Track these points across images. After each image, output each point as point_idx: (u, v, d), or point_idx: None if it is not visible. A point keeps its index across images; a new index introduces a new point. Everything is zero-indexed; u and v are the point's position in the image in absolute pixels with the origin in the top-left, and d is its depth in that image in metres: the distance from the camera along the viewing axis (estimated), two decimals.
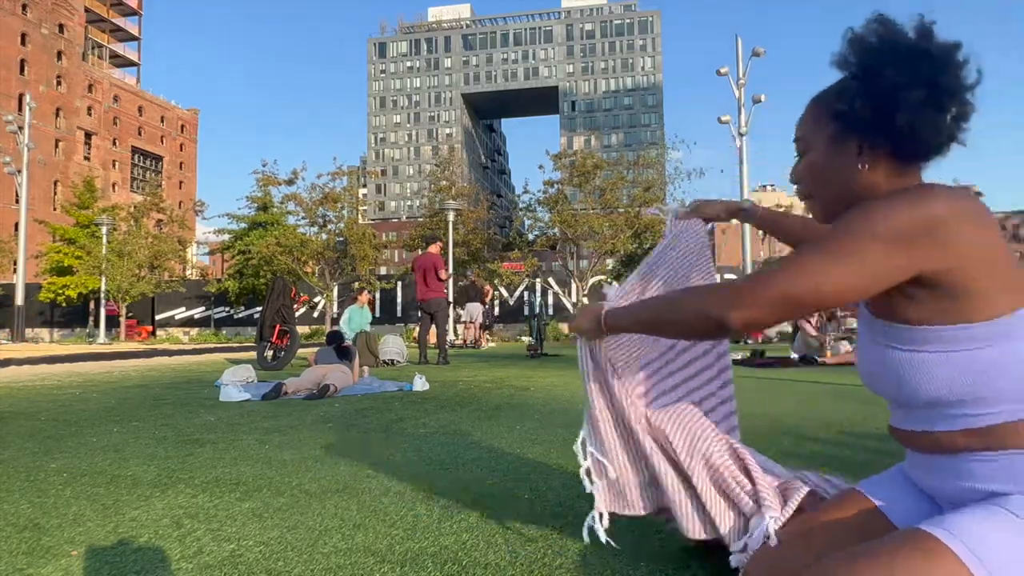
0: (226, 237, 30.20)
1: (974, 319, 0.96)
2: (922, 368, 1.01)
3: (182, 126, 79.89)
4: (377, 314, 24.35)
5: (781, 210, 1.59)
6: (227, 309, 27.76)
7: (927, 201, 0.95)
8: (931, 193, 0.97)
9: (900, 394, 1.06)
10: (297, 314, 9.48)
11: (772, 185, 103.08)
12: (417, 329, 9.49)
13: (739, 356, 9.67)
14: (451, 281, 21.57)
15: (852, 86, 1.05)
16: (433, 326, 9.27)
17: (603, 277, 24.32)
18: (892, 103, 1.00)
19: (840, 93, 1.08)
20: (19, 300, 23.85)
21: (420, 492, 2.19)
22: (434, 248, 9.47)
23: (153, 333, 27.44)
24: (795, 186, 1.19)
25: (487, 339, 17.04)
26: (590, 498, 1.81)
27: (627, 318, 1.29)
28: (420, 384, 5.57)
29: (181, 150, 79.35)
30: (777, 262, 1.05)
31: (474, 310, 16.08)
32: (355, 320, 9.32)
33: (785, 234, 1.55)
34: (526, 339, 15.78)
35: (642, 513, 1.51)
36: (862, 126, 1.04)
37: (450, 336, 18.61)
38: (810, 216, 1.37)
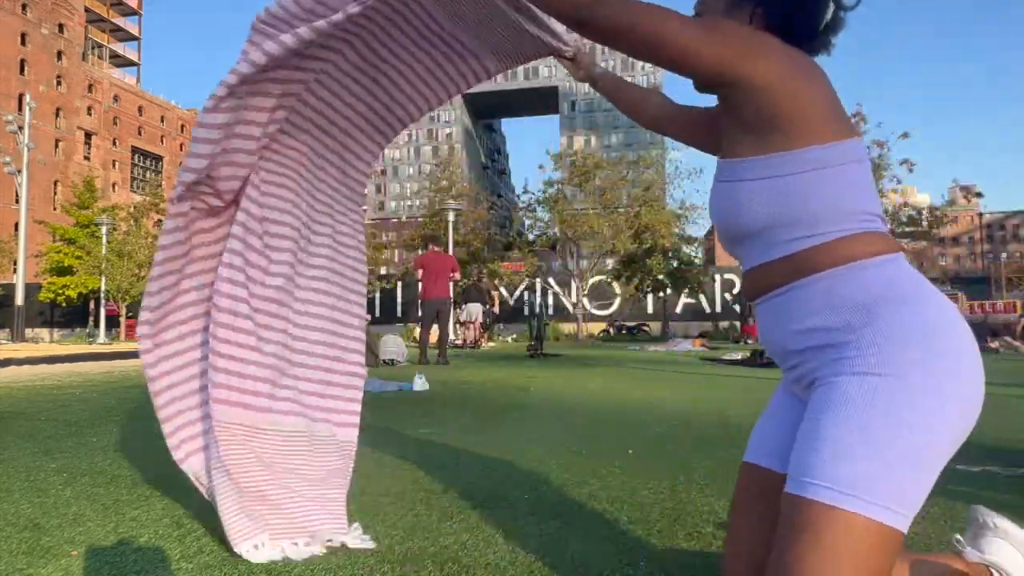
0: None
1: (791, 147, 1.01)
2: (743, 196, 1.07)
3: (182, 126, 79.87)
4: (377, 314, 24.41)
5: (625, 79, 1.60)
6: None
7: (769, 36, 1.06)
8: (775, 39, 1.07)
9: (729, 226, 1.12)
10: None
11: None
12: (417, 329, 9.47)
13: (739, 356, 9.68)
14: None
15: None
16: (435, 326, 9.30)
17: (603, 278, 24.34)
18: None
19: None
20: (19, 300, 23.86)
21: (420, 492, 2.19)
22: (441, 249, 9.55)
23: None
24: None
25: (486, 339, 17.01)
26: (590, 498, 1.82)
27: None
28: (420, 384, 5.57)
29: (181, 150, 79.29)
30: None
31: (474, 310, 16.08)
32: None
33: (626, 102, 1.54)
34: (510, 339, 15.79)
35: None
36: None
37: (450, 336, 18.63)
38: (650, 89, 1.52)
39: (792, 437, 1.03)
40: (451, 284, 9.58)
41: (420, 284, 9.22)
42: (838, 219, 1.01)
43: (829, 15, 1.14)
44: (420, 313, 9.38)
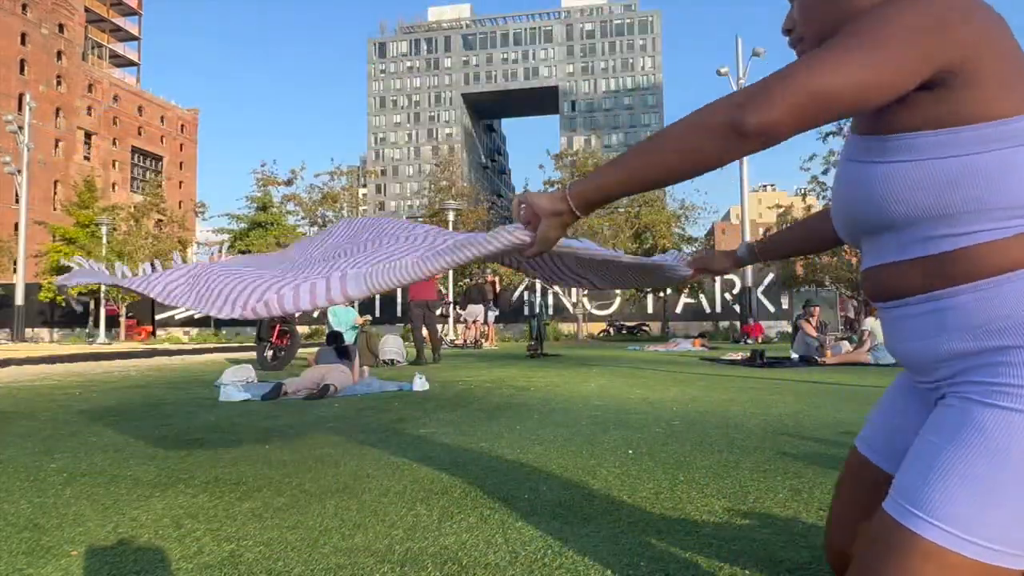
0: (226, 237, 30.20)
1: (959, 122, 0.83)
2: (878, 180, 0.89)
3: (182, 126, 79.87)
4: (377, 314, 24.39)
5: (771, 232, 1.57)
6: None
7: None
8: None
9: (856, 215, 0.96)
10: (297, 314, 9.43)
11: (772, 185, 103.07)
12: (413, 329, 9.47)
13: (739, 356, 9.68)
14: (452, 282, 21.65)
15: None
16: (425, 326, 9.32)
17: None
18: None
19: None
20: (19, 300, 23.86)
21: (420, 492, 2.19)
22: None
23: (153, 333, 27.44)
24: (787, 37, 1.07)
25: (493, 339, 16.94)
26: (590, 498, 1.82)
27: (608, 179, 0.98)
28: (420, 384, 5.57)
29: (181, 150, 79.32)
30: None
31: (475, 311, 16.10)
32: (340, 316, 9.30)
33: (790, 247, 1.44)
34: (488, 345, 15.77)
35: None
36: None
37: (450, 336, 18.64)
38: (808, 217, 1.39)
39: (898, 435, 1.02)
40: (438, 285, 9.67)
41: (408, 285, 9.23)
42: (1000, 215, 0.83)
43: None
44: (410, 314, 9.40)
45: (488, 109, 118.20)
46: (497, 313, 16.76)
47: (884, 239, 0.93)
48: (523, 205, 1.15)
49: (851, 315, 24.66)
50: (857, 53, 0.82)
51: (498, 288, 17.25)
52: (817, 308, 10.17)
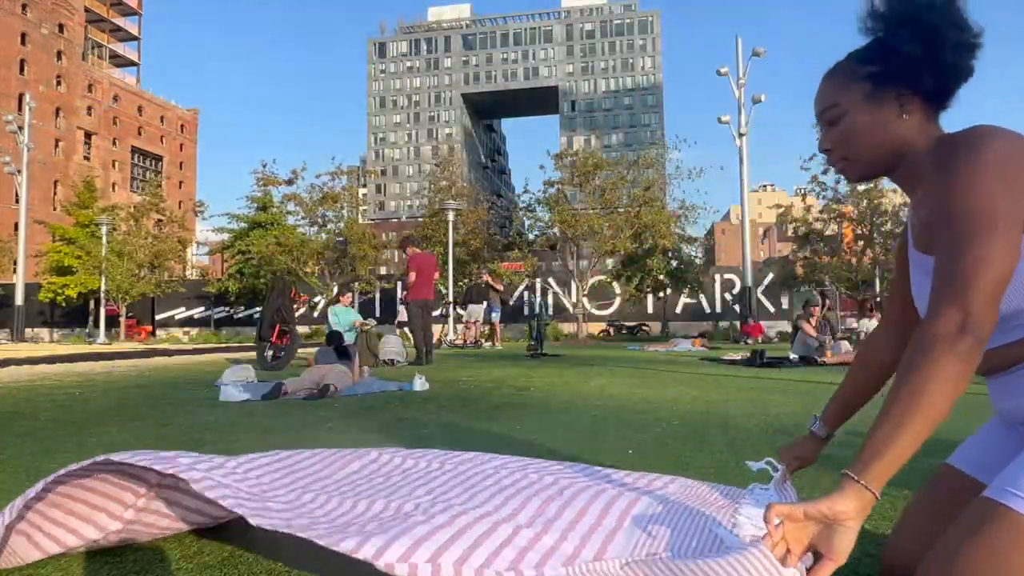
0: (226, 237, 30.22)
1: None
2: None
3: (182, 126, 79.88)
4: (377, 314, 24.38)
5: (834, 392, 1.48)
6: (227, 309, 27.77)
7: (1012, 136, 1.04)
8: (1000, 129, 1.05)
9: None
10: (297, 314, 9.44)
11: (772, 185, 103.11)
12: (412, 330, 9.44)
13: (739, 356, 9.68)
14: (452, 282, 21.67)
15: (888, 41, 1.12)
16: (423, 325, 9.28)
17: (603, 277, 24.34)
18: (938, 45, 1.08)
19: (868, 55, 1.16)
20: (19, 300, 23.88)
21: None
22: (421, 250, 9.60)
23: (153, 333, 27.45)
24: (826, 154, 1.24)
25: (496, 338, 16.91)
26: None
27: (900, 452, 0.98)
28: (420, 384, 5.57)
29: (181, 150, 79.35)
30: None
31: (475, 311, 16.11)
32: (342, 317, 9.30)
33: (853, 403, 1.45)
34: (487, 345, 15.76)
35: None
36: (903, 76, 1.12)
37: (450, 336, 18.65)
38: (859, 363, 1.43)
39: (992, 453, 1.17)
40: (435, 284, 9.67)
41: (408, 284, 9.22)
42: None
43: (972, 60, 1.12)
44: (409, 314, 9.36)
45: (488, 109, 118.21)
46: (498, 313, 16.74)
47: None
48: (783, 521, 0.98)
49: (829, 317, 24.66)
50: (994, 238, 0.97)
51: (501, 287, 17.22)
52: (817, 308, 10.16)
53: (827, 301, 18.52)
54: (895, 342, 1.37)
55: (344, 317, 9.28)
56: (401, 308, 19.74)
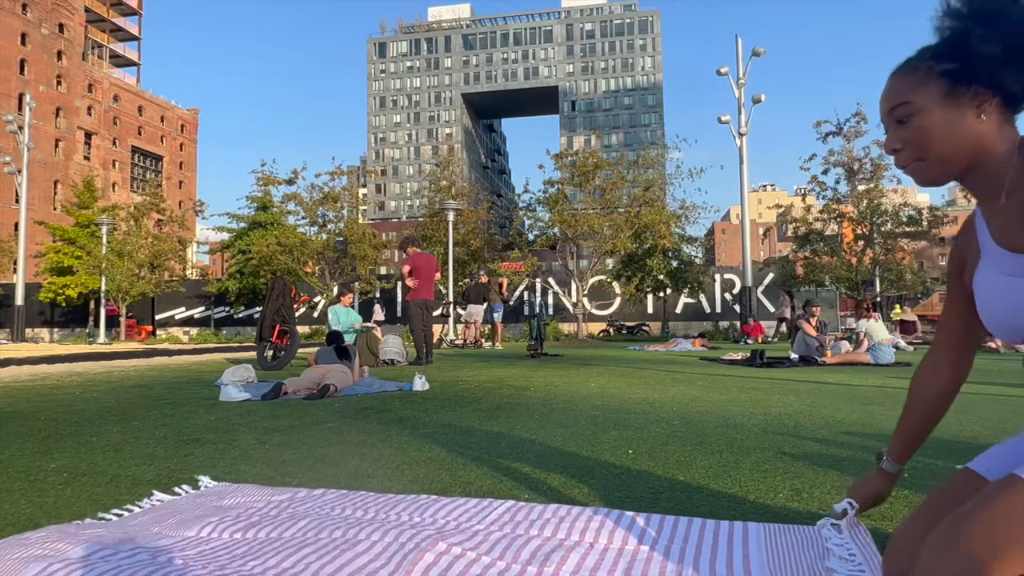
0: (226, 237, 30.21)
1: None
2: None
3: (182, 126, 79.88)
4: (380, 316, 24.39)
5: (897, 425, 1.43)
6: (227, 309, 27.77)
7: None
8: None
9: None
10: (297, 314, 9.43)
11: (772, 185, 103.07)
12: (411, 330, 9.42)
13: (739, 356, 9.67)
14: (452, 282, 21.66)
15: (966, 39, 1.09)
16: (423, 325, 9.27)
17: (603, 277, 24.33)
18: (1020, 46, 1.05)
19: (946, 51, 1.12)
20: (19, 300, 23.87)
21: (420, 492, 2.19)
22: (421, 250, 9.59)
23: (153, 333, 27.45)
24: (894, 154, 1.19)
25: (498, 337, 16.91)
26: (590, 497, 1.82)
27: None
28: (420, 384, 5.57)
29: (181, 150, 79.34)
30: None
31: (475, 311, 16.11)
32: (342, 317, 9.31)
33: (919, 432, 1.41)
34: (487, 345, 15.76)
35: None
36: (983, 75, 1.09)
37: (450, 335, 18.65)
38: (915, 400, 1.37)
39: (1014, 459, 1.17)
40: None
41: (408, 285, 9.21)
42: None
43: None
44: (409, 314, 9.33)
45: (488, 109, 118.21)
46: (500, 312, 16.74)
47: None
48: None
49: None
50: None
51: (502, 287, 17.22)
52: (818, 308, 10.17)
53: (793, 301, 18.54)
54: (951, 369, 1.33)
55: (344, 318, 9.28)
56: (377, 307, 19.76)
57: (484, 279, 17.08)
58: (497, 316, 16.60)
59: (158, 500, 2.10)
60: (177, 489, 2.21)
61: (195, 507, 1.94)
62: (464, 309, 16.47)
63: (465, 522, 1.76)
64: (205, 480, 2.34)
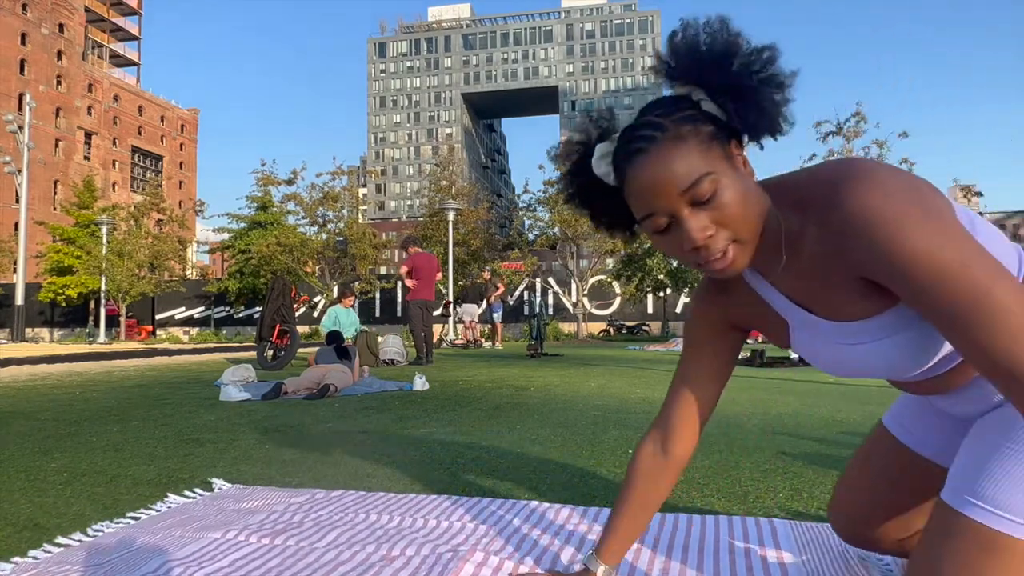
0: (226, 237, 30.21)
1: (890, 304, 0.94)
2: (905, 348, 0.96)
3: (182, 126, 79.88)
4: (377, 314, 24.39)
5: (611, 520, 1.27)
6: (227, 309, 27.77)
7: (909, 174, 0.96)
8: (889, 166, 0.97)
9: (893, 373, 1.03)
10: (297, 314, 9.43)
11: None
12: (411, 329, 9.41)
13: (739, 356, 9.67)
14: (452, 282, 21.65)
15: (717, 92, 0.93)
16: (423, 325, 9.27)
17: (603, 277, 24.34)
18: (770, 84, 0.93)
19: (692, 111, 0.94)
20: (19, 300, 23.85)
21: (420, 492, 2.19)
22: (422, 250, 9.59)
23: (153, 333, 27.45)
24: (705, 245, 0.94)
25: (488, 338, 16.93)
26: (590, 497, 1.81)
27: None
28: (420, 384, 5.57)
29: (181, 150, 79.34)
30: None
31: (472, 310, 16.13)
32: (342, 319, 9.30)
33: (639, 521, 1.27)
34: (487, 344, 15.76)
35: None
36: (739, 117, 0.94)
37: (450, 335, 18.65)
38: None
39: (939, 438, 1.16)
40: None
41: (408, 285, 9.21)
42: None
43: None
44: (409, 314, 9.33)
45: (488, 109, 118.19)
46: (500, 312, 16.74)
47: (923, 370, 1.01)
48: None
49: None
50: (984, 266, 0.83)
51: (502, 288, 17.22)
52: None
53: None
54: (684, 443, 1.22)
55: (345, 319, 9.29)
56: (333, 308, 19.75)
57: (486, 276, 17.10)
58: (497, 316, 16.59)
59: (172, 503, 2.09)
60: (189, 492, 2.21)
61: (216, 511, 1.94)
62: (460, 308, 16.49)
63: (495, 524, 1.76)
64: (219, 483, 2.34)
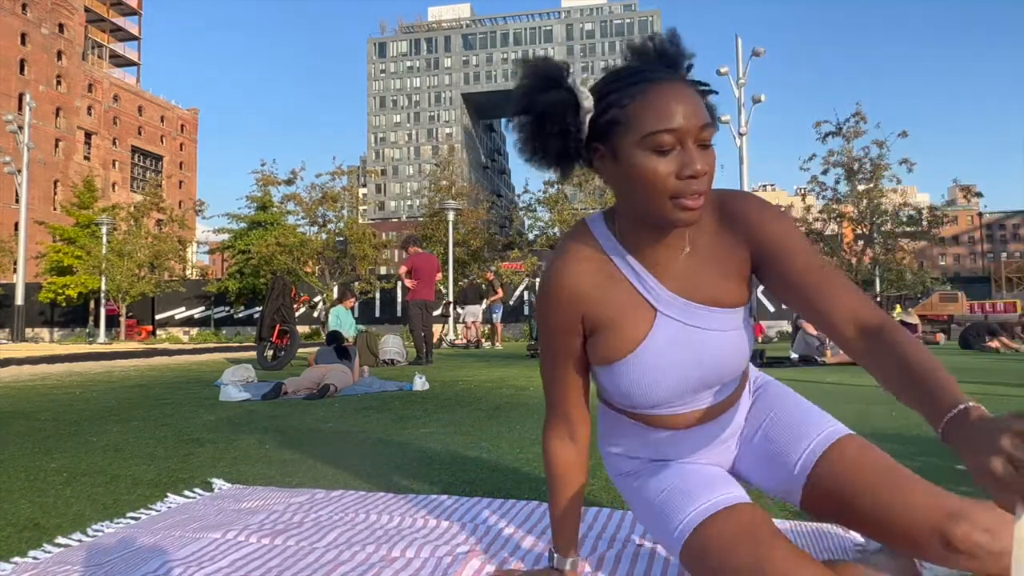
0: (226, 237, 30.20)
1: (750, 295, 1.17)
2: (741, 342, 1.17)
3: (182, 126, 79.87)
4: (377, 314, 24.37)
5: (553, 517, 1.29)
6: (227, 309, 27.75)
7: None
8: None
9: (727, 372, 1.17)
10: (297, 314, 9.43)
11: (772, 185, 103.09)
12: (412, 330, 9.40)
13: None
14: (452, 282, 21.65)
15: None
16: (423, 325, 9.26)
17: None
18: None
19: (704, 85, 1.09)
20: (19, 300, 23.85)
21: (420, 492, 2.19)
22: (422, 250, 9.58)
23: (153, 333, 27.43)
24: (694, 177, 1.00)
25: (488, 338, 16.93)
26: (590, 497, 1.81)
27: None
28: (420, 384, 5.57)
29: (181, 150, 79.34)
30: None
31: (475, 311, 16.13)
32: (344, 319, 9.30)
33: (573, 511, 1.29)
34: (487, 345, 15.75)
35: None
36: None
37: (450, 335, 18.65)
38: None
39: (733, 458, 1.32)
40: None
41: (407, 285, 9.20)
42: None
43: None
44: (408, 314, 9.32)
45: (488, 109, 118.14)
46: (499, 313, 16.74)
47: (729, 383, 1.21)
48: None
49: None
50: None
51: (499, 293, 17.22)
52: None
53: None
54: (582, 431, 1.26)
55: (346, 319, 9.29)
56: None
57: (489, 276, 17.08)
58: (496, 316, 16.60)
59: (172, 503, 2.09)
60: (189, 492, 2.21)
61: (216, 511, 1.94)
62: (462, 309, 16.49)
63: (494, 525, 1.76)
64: (219, 483, 2.34)
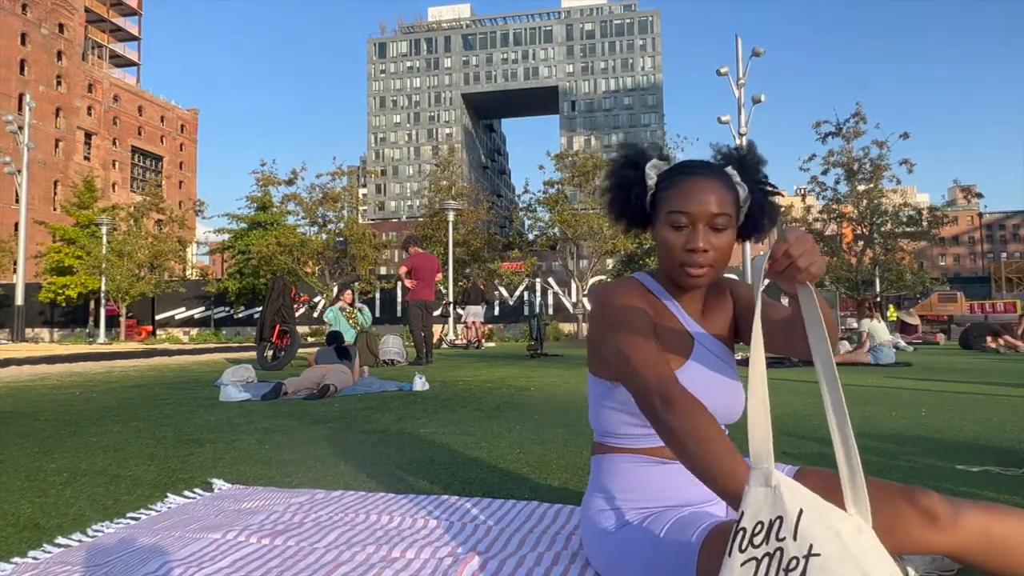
0: (226, 237, 30.19)
1: None
2: (742, 395, 1.33)
3: (182, 126, 79.85)
4: (377, 314, 24.36)
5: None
6: (227, 309, 27.75)
7: None
8: None
9: (731, 414, 1.34)
10: (297, 314, 9.43)
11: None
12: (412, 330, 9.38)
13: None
14: (452, 282, 21.67)
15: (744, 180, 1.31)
16: (423, 325, 9.24)
17: (603, 277, 24.34)
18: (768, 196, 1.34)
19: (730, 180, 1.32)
20: (19, 300, 23.84)
21: (420, 492, 2.19)
22: (422, 250, 9.57)
23: (153, 333, 27.43)
24: (696, 252, 1.26)
25: (486, 338, 17.00)
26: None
27: None
28: (420, 384, 5.57)
29: (181, 150, 79.32)
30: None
31: (477, 311, 16.16)
32: (341, 319, 9.30)
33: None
34: (490, 343, 15.80)
35: None
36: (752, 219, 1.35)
37: (450, 335, 18.67)
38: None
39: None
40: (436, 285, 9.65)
41: (407, 286, 9.20)
42: None
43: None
44: (408, 314, 9.31)
45: (488, 109, 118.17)
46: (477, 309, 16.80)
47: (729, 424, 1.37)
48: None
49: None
50: None
51: (483, 287, 17.37)
52: None
53: None
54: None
55: (341, 319, 9.28)
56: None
57: (482, 285, 17.23)
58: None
59: (172, 503, 2.09)
60: (189, 492, 2.21)
61: (216, 511, 1.94)
62: (463, 309, 16.51)
63: (494, 525, 1.76)
64: (219, 483, 2.34)
